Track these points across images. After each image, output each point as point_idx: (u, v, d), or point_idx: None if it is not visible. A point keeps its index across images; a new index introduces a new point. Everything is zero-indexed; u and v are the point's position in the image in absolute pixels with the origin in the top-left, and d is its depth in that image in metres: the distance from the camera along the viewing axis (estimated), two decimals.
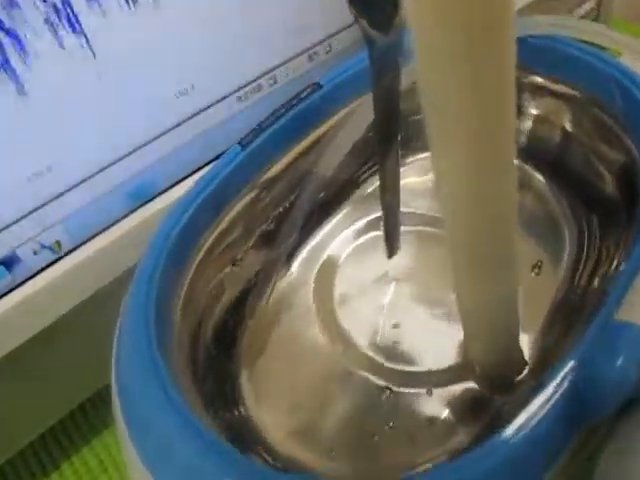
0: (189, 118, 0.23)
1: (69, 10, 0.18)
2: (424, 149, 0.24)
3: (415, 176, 0.24)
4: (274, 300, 0.21)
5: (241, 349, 0.20)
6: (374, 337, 0.20)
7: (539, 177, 0.23)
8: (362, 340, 0.20)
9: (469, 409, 0.18)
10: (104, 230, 0.22)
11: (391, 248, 0.21)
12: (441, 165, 0.12)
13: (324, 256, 0.23)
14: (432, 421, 0.18)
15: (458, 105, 0.10)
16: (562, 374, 0.13)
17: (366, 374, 0.20)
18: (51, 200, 0.20)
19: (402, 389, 0.19)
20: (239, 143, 0.20)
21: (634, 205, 0.19)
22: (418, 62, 0.10)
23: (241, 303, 0.21)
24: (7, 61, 0.18)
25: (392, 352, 0.20)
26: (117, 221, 0.22)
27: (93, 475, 0.26)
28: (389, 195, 0.20)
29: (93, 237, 0.21)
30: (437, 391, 0.19)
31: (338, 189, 0.24)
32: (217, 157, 0.23)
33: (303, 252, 0.23)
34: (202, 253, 0.18)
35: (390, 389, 0.19)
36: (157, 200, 0.23)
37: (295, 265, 0.22)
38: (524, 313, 0.16)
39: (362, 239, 0.23)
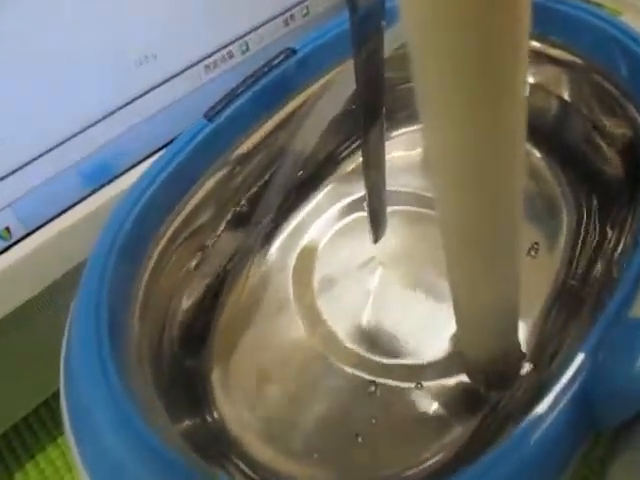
0: (151, 90, 0.21)
1: None
2: (411, 121, 0.23)
3: (402, 151, 0.22)
4: (249, 290, 0.20)
5: (212, 347, 0.18)
6: (358, 328, 0.19)
7: (535, 152, 0.21)
8: (345, 331, 0.19)
9: (462, 405, 0.17)
10: (59, 215, 0.19)
11: (376, 231, 0.19)
12: (433, 135, 0.10)
13: (303, 240, 0.21)
14: (422, 419, 0.17)
15: (457, 63, 0.08)
16: (570, 375, 0.11)
17: (350, 368, 0.18)
18: None
19: (389, 384, 0.18)
20: (205, 116, 0.17)
21: (638, 184, 0.18)
22: (408, 19, 0.08)
23: (212, 295, 0.19)
24: None
25: (378, 344, 0.18)
26: (73, 205, 0.20)
27: (60, 475, 0.24)
28: (373, 172, 0.18)
29: (46, 223, 0.19)
30: (427, 385, 0.17)
31: (317, 166, 0.22)
32: None
33: (280, 236, 0.21)
34: (164, 241, 0.16)
35: (376, 384, 0.18)
36: (118, 182, 0.21)
37: (272, 251, 0.21)
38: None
39: (345, 221, 0.21)
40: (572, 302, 0.17)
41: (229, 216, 0.19)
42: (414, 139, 0.22)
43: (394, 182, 0.21)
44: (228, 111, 0.18)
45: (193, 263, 0.18)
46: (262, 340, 0.19)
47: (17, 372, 0.21)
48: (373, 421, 0.17)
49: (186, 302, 0.18)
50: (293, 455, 0.16)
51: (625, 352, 0.11)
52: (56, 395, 0.24)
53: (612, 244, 0.17)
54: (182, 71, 0.21)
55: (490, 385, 0.16)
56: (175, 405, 0.15)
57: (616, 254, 0.16)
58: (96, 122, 0.20)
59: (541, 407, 0.11)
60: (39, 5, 0.17)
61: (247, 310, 0.19)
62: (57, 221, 0.19)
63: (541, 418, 0.11)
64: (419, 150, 0.22)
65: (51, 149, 0.19)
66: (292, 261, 0.20)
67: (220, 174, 0.19)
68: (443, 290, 0.19)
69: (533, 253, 0.20)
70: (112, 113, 0.20)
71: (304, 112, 0.20)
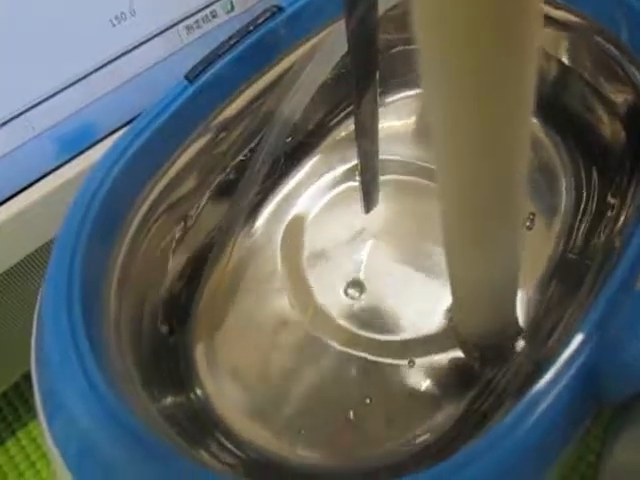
0: (129, 51, 0.20)
1: None
2: (407, 87, 0.22)
3: (396, 119, 0.21)
4: (234, 263, 0.19)
5: (196, 322, 0.17)
6: (349, 302, 0.18)
7: (533, 119, 0.21)
8: (335, 306, 0.18)
9: (456, 381, 0.16)
10: (30, 185, 0.18)
11: (368, 202, 0.18)
12: (435, 99, 0.09)
13: (292, 211, 0.20)
14: (415, 395, 0.16)
15: (464, 16, 0.07)
16: (574, 348, 0.11)
17: (339, 344, 0.17)
18: None
19: (380, 360, 0.17)
20: (186, 77, 0.16)
21: None
22: None
23: (195, 268, 0.18)
24: None
25: (369, 319, 0.18)
26: (46, 175, 0.19)
27: (42, 451, 0.24)
28: (366, 141, 0.17)
29: (17, 194, 0.18)
30: (420, 361, 0.17)
31: (307, 134, 0.21)
32: None
33: (268, 206, 0.20)
34: (142, 212, 0.15)
35: (366, 360, 0.17)
36: (95, 150, 0.19)
37: (259, 222, 0.20)
38: None
39: (336, 191, 0.21)
40: (571, 275, 0.17)
41: (213, 186, 0.18)
42: (410, 106, 0.21)
43: (387, 150, 0.20)
44: (210, 73, 0.17)
45: (175, 235, 0.17)
46: (248, 315, 0.18)
47: None
48: (364, 398, 0.16)
49: (168, 275, 0.17)
50: (279, 432, 0.16)
51: (632, 327, 0.10)
52: None
53: (614, 214, 0.16)
54: (161, 32, 0.20)
55: (485, 361, 0.16)
56: (158, 382, 0.14)
57: (618, 224, 0.16)
58: (69, 85, 0.19)
59: (544, 381, 0.11)
60: None
61: (233, 284, 0.18)
62: (29, 191, 0.18)
63: (544, 392, 0.11)
64: (414, 117, 0.21)
65: (21, 113, 0.18)
66: (280, 233, 0.19)
67: (203, 141, 0.18)
68: (437, 263, 0.19)
69: (529, 224, 0.19)
70: (87, 76, 0.19)
71: (292, 75, 0.19)
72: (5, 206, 0.18)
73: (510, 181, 0.10)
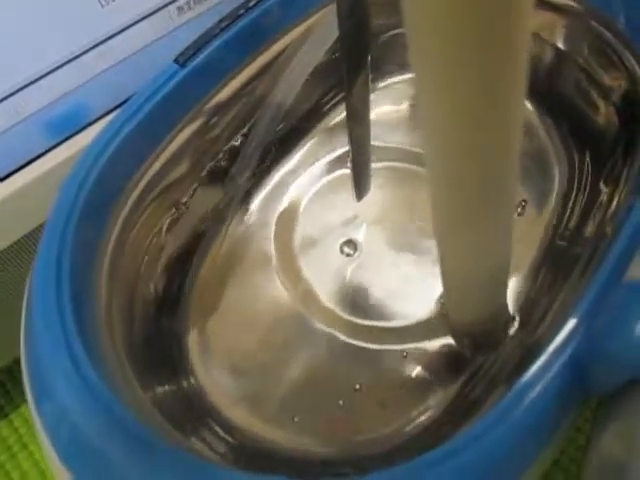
0: (119, 32, 0.19)
1: None
2: (399, 71, 0.21)
3: (388, 104, 0.21)
4: (227, 249, 0.19)
5: (188, 308, 0.17)
6: (341, 289, 0.18)
7: (527, 104, 0.20)
8: (327, 292, 0.18)
9: (446, 367, 0.17)
10: (19, 170, 0.18)
11: (360, 189, 0.18)
12: (426, 81, 0.09)
13: (285, 197, 0.20)
14: (405, 382, 0.17)
15: None
16: (563, 338, 0.11)
17: (332, 330, 0.17)
18: None
19: (371, 346, 0.17)
20: (176, 60, 0.16)
21: (635, 137, 0.17)
22: None
23: (187, 254, 0.18)
24: None
25: (361, 305, 0.18)
26: (35, 158, 0.18)
27: (32, 433, 0.24)
28: (358, 127, 0.17)
29: (4, 178, 0.18)
30: (411, 348, 0.17)
31: (300, 119, 0.21)
32: None
33: (260, 193, 0.20)
34: (134, 197, 0.15)
35: (358, 347, 0.17)
36: (85, 134, 0.19)
37: (252, 208, 0.20)
38: None
39: (329, 177, 0.20)
40: (562, 262, 0.17)
41: (205, 171, 0.18)
42: (402, 91, 0.21)
43: (380, 137, 0.20)
44: (201, 56, 0.16)
45: (167, 221, 0.17)
46: (241, 301, 0.18)
47: None
48: (355, 384, 0.17)
49: (160, 262, 0.17)
50: (272, 419, 0.16)
51: (621, 317, 0.10)
52: None
53: (605, 201, 0.16)
54: (152, 12, 0.20)
55: (476, 348, 0.16)
56: (150, 370, 0.14)
57: (610, 212, 0.16)
58: (57, 67, 0.18)
59: (533, 370, 0.11)
60: None
61: (225, 270, 0.18)
62: (18, 175, 0.18)
63: (533, 381, 0.11)
64: (407, 103, 0.21)
65: (8, 96, 0.17)
66: (272, 219, 0.19)
67: (194, 125, 0.17)
68: (429, 250, 0.19)
69: (520, 210, 0.19)
70: (75, 58, 0.19)
71: (285, 59, 0.19)
72: None
73: (501, 166, 0.10)
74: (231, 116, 0.19)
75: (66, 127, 0.19)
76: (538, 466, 0.12)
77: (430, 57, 0.08)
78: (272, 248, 0.19)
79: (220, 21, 0.17)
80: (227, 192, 0.19)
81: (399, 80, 0.21)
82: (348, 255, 0.19)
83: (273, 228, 0.19)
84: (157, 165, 0.16)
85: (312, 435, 0.16)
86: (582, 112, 0.19)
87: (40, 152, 0.19)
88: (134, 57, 0.20)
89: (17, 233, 0.18)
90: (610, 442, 0.11)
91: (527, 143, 0.20)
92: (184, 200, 0.18)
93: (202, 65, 0.17)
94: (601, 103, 0.19)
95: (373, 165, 0.19)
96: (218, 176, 0.19)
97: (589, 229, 0.17)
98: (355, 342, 0.17)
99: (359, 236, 0.19)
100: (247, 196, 0.20)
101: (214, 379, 0.16)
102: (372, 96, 0.17)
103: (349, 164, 0.18)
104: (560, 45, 0.20)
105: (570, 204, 0.19)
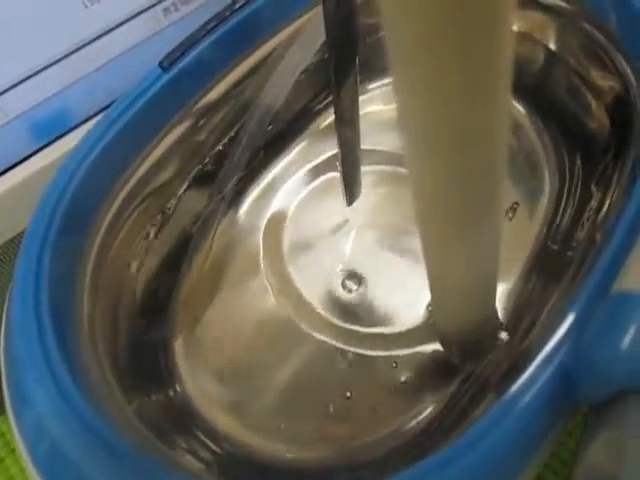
0: (104, 34, 0.19)
1: None
2: (389, 73, 0.21)
3: (378, 105, 0.21)
4: (214, 256, 0.18)
5: (174, 317, 0.17)
6: (331, 294, 0.18)
7: (518, 107, 0.20)
8: (318, 299, 0.18)
9: (436, 374, 0.16)
10: (2, 174, 0.18)
11: (350, 194, 0.18)
12: (405, 84, 0.09)
13: (274, 201, 0.20)
14: (395, 388, 0.16)
15: None
16: (550, 350, 0.11)
17: (321, 336, 0.17)
18: None
19: (361, 352, 0.17)
20: (160, 64, 0.16)
21: (626, 140, 0.17)
22: None
23: (174, 261, 0.17)
24: None
25: (351, 311, 0.18)
26: (19, 162, 0.18)
27: (11, 447, 0.23)
28: (347, 130, 0.17)
29: None
30: (401, 354, 0.17)
31: (289, 122, 0.20)
32: None
33: (248, 198, 0.20)
34: (117, 204, 0.15)
35: (348, 353, 0.17)
36: (68, 137, 0.19)
37: (239, 213, 0.19)
38: None
39: (318, 181, 0.20)
40: (553, 267, 0.16)
41: (192, 176, 0.18)
42: (392, 93, 0.21)
43: (370, 140, 0.20)
44: (187, 59, 0.16)
45: (152, 227, 0.17)
46: (228, 308, 0.18)
47: None
48: (345, 391, 0.16)
49: (145, 270, 0.16)
50: (259, 427, 0.16)
51: (609, 329, 0.10)
52: None
53: (596, 205, 0.16)
54: (138, 14, 0.19)
55: (465, 356, 0.16)
56: (135, 379, 0.14)
57: (600, 215, 0.15)
58: (41, 70, 0.18)
59: (522, 380, 0.11)
60: None
61: (212, 277, 0.18)
62: (1, 180, 0.18)
63: (522, 391, 0.11)
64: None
65: None
66: (261, 225, 0.19)
67: (181, 129, 0.17)
68: (420, 256, 0.18)
69: (511, 214, 0.19)
70: (60, 60, 0.18)
71: (273, 61, 0.18)
72: None
73: (487, 175, 0.10)
74: (218, 119, 0.18)
75: (51, 130, 0.19)
76: (528, 472, 0.12)
77: (411, 62, 0.08)
78: (261, 253, 0.19)
79: (206, 23, 0.17)
80: (214, 197, 0.18)
81: (389, 82, 0.21)
82: (338, 261, 0.19)
83: (261, 233, 0.19)
84: (142, 170, 0.16)
85: (301, 443, 0.15)
86: (573, 114, 0.19)
87: (23, 156, 0.18)
88: (119, 59, 0.20)
89: (4, 236, 0.17)
90: (599, 452, 0.10)
91: (518, 145, 0.20)
92: (170, 205, 0.17)
93: (188, 68, 0.16)
94: (592, 105, 0.19)
95: (364, 169, 0.19)
96: (205, 180, 0.18)
97: (581, 233, 0.16)
98: (345, 348, 0.17)
99: (349, 241, 0.19)
100: (235, 200, 0.19)
101: (201, 387, 0.16)
102: (361, 98, 0.17)
103: (338, 168, 0.18)
104: (552, 46, 0.20)
105: (562, 207, 0.19)
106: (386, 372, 0.16)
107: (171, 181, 0.17)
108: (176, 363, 0.16)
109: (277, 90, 0.19)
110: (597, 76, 0.18)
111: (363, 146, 0.18)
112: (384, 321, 0.17)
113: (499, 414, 0.11)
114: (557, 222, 0.18)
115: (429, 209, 0.10)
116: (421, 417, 0.16)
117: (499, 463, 0.11)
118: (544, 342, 0.11)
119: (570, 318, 0.11)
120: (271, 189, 0.20)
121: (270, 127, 0.20)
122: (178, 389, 0.16)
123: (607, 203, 0.16)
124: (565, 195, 0.19)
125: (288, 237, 0.19)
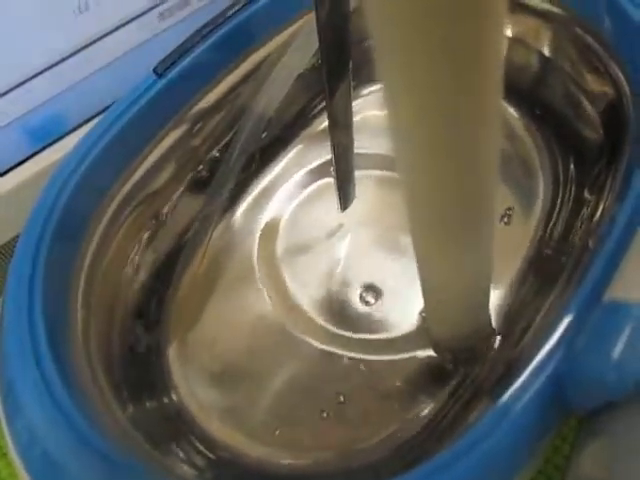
0: (100, 39, 0.19)
1: None
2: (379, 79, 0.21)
3: (372, 110, 0.21)
4: (209, 261, 0.18)
5: (169, 323, 0.17)
6: (326, 300, 0.18)
7: (512, 112, 0.20)
8: (312, 304, 0.18)
9: (429, 380, 0.16)
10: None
11: (344, 199, 0.18)
12: (393, 89, 0.09)
13: (268, 207, 0.20)
14: (388, 393, 0.16)
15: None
16: (542, 359, 0.11)
17: (315, 341, 0.17)
18: None
19: (355, 357, 0.17)
20: (154, 70, 0.16)
21: (619, 146, 0.17)
22: None
23: (168, 267, 0.17)
24: None
25: (345, 316, 0.18)
26: (15, 166, 0.18)
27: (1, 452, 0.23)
28: (340, 135, 0.17)
29: None
30: (394, 359, 0.17)
31: (283, 127, 0.20)
32: None
33: (243, 203, 0.20)
34: (112, 209, 0.15)
35: (342, 358, 0.17)
36: (63, 142, 0.19)
37: (234, 219, 0.19)
38: None
39: (313, 186, 0.20)
40: (546, 272, 0.16)
41: (187, 181, 0.18)
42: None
43: (364, 144, 0.20)
44: (181, 65, 0.16)
45: (147, 232, 0.17)
46: (223, 314, 0.18)
47: None
48: (338, 396, 0.16)
49: (139, 276, 0.16)
50: (254, 433, 0.15)
51: (599, 339, 0.10)
52: None
53: (590, 210, 0.16)
54: (133, 19, 0.19)
55: (458, 362, 0.16)
56: (130, 388, 0.14)
57: (594, 221, 0.15)
58: (37, 74, 0.18)
59: (515, 388, 0.11)
60: None
61: (207, 283, 0.18)
62: None
63: (515, 399, 0.11)
64: None
65: None
66: (256, 229, 0.19)
67: (175, 134, 0.17)
68: (414, 261, 0.18)
69: (506, 219, 0.19)
70: (55, 65, 0.18)
71: (267, 67, 0.18)
72: None
73: (479, 183, 0.10)
74: (213, 125, 0.18)
75: (45, 135, 0.19)
76: (522, 477, 0.12)
77: (399, 67, 0.08)
78: (255, 258, 0.19)
79: (201, 29, 0.17)
80: (209, 202, 0.18)
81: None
82: (332, 266, 0.19)
83: (256, 238, 0.19)
84: (137, 175, 0.16)
85: (296, 448, 0.15)
86: (567, 118, 0.19)
87: (18, 160, 0.18)
88: (115, 64, 0.20)
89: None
90: (589, 462, 0.10)
91: (513, 150, 0.20)
92: (165, 211, 0.17)
93: (182, 74, 0.16)
94: (586, 110, 0.19)
95: (359, 173, 0.19)
96: (200, 186, 0.18)
97: (575, 238, 0.17)
98: (339, 353, 0.17)
99: (344, 246, 0.19)
100: (229, 205, 0.19)
101: (195, 393, 0.16)
102: (355, 103, 0.17)
103: (332, 173, 0.18)
104: (546, 52, 0.20)
105: (556, 212, 0.19)
106: (380, 377, 0.16)
107: (166, 186, 0.17)
108: (170, 369, 0.16)
109: (272, 95, 0.19)
110: (591, 82, 0.18)
111: (358, 150, 0.18)
112: (378, 326, 0.17)
113: (493, 420, 0.11)
114: (551, 227, 0.18)
115: (421, 217, 0.10)
116: (415, 422, 0.16)
117: (493, 468, 0.11)
118: (537, 349, 0.11)
119: (563, 326, 0.11)
120: (266, 194, 0.20)
121: (265, 132, 0.20)
122: (172, 396, 0.16)
123: (600, 209, 0.16)
124: (559, 200, 0.19)
125: (283, 242, 0.19)
